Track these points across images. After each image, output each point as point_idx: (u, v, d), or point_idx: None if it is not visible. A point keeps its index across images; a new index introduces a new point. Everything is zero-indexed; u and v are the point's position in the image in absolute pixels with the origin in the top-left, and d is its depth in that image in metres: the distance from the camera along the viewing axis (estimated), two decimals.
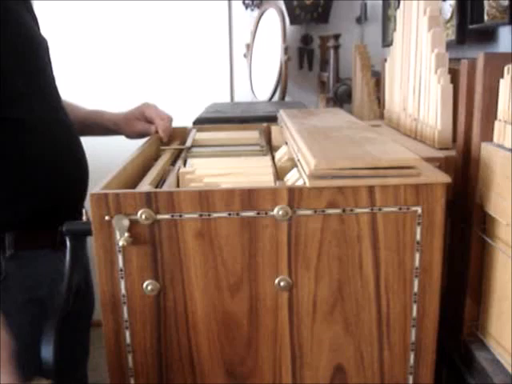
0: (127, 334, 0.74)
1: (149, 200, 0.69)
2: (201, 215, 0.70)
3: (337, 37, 2.02)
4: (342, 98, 1.95)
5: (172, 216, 0.70)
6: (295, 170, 0.81)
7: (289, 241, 0.71)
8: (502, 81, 0.73)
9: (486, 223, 0.78)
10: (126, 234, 0.69)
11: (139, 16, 2.43)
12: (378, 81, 1.51)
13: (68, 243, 0.77)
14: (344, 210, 0.70)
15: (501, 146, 0.73)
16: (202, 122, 1.42)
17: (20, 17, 1.02)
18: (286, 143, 0.98)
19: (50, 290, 1.02)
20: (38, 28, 1.10)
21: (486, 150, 0.75)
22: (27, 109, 0.97)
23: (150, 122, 1.19)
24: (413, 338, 0.75)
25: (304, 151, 0.76)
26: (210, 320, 0.74)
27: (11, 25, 0.97)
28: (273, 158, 1.00)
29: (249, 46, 2.43)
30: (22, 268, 0.98)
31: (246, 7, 2.42)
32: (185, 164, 0.97)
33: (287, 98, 2.26)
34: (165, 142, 1.17)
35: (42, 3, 2.31)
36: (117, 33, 2.45)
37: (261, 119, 1.39)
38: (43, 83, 1.04)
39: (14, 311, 0.97)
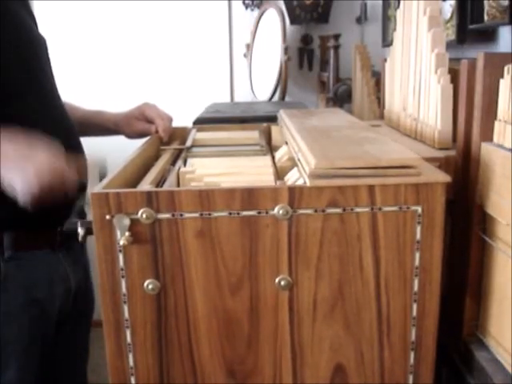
0: (128, 333, 0.74)
1: (149, 199, 0.69)
2: (201, 214, 0.70)
3: (337, 37, 2.02)
4: (342, 98, 1.95)
5: (173, 215, 0.70)
6: (295, 169, 0.81)
7: (289, 240, 0.71)
8: (501, 81, 0.73)
9: (486, 223, 0.78)
10: (127, 234, 0.69)
11: (139, 16, 2.43)
12: (378, 81, 1.51)
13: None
14: (344, 210, 0.70)
15: (501, 146, 0.73)
16: (201, 122, 1.42)
17: (19, 16, 1.02)
18: (286, 143, 0.98)
19: (49, 290, 1.02)
20: (37, 27, 1.10)
21: (486, 150, 0.75)
22: (26, 107, 0.97)
23: (150, 121, 1.19)
24: (413, 337, 0.75)
25: (304, 151, 0.76)
26: (210, 319, 0.74)
27: (10, 24, 0.97)
28: (273, 158, 1.00)
29: (249, 46, 2.43)
30: (21, 269, 0.98)
31: (246, 7, 2.42)
32: (185, 164, 0.97)
33: (287, 98, 2.26)
34: (165, 141, 1.17)
35: (41, 3, 2.31)
36: (117, 33, 2.45)
37: (261, 119, 1.39)
38: (42, 82, 1.04)
39: (13, 312, 0.97)
